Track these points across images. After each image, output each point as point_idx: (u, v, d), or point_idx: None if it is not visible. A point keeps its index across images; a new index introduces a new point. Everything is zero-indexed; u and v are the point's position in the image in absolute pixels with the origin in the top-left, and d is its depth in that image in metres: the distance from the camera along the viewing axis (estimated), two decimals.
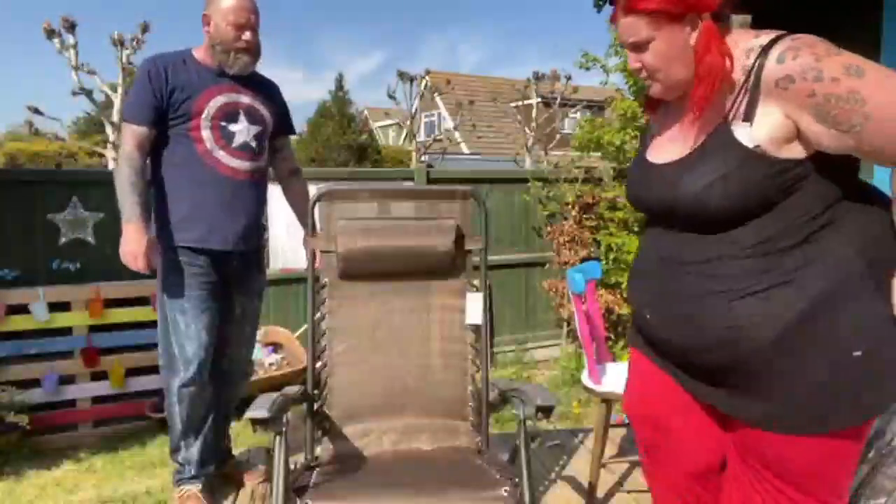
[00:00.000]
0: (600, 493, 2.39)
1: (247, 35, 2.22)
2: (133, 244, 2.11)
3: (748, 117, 1.14)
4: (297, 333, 3.99)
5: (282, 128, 2.51)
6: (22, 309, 3.01)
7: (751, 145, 1.13)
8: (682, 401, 1.34)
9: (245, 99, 2.31)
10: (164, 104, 2.19)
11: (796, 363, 1.13)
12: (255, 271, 2.47)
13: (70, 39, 8.07)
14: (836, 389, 1.12)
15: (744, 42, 1.17)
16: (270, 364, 3.64)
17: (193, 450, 2.34)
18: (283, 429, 1.62)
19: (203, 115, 2.21)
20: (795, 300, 1.11)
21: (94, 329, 3.13)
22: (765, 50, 1.13)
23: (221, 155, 2.24)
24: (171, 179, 2.24)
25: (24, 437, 2.92)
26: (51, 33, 7.93)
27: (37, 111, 8.25)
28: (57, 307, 3.07)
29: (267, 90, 2.42)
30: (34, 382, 3.01)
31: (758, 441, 1.22)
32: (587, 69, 5.94)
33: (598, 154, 4.60)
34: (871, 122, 1.04)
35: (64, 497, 2.60)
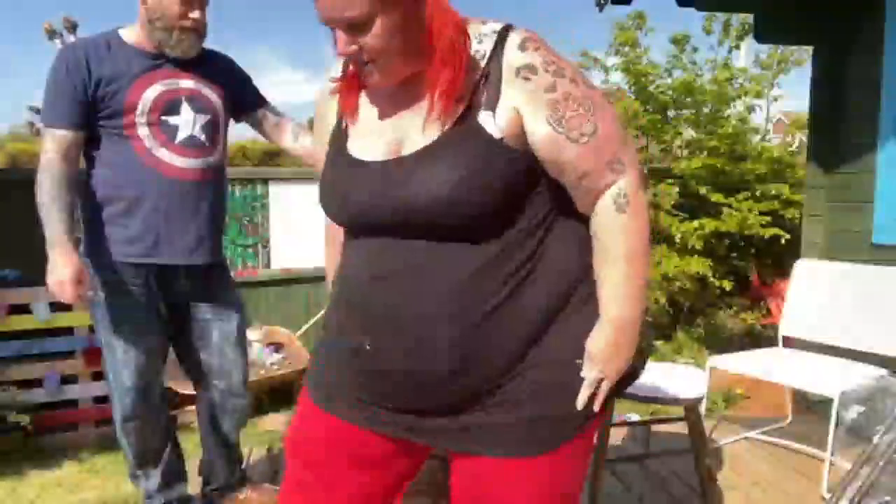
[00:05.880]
0: (601, 492, 2.39)
1: (195, 13, 1.88)
2: (59, 271, 1.78)
3: (491, 106, 1.01)
4: (298, 333, 3.99)
5: (247, 103, 2.14)
6: (23, 309, 3.01)
7: (498, 136, 1.00)
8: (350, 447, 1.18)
9: (187, 83, 1.96)
10: (88, 99, 1.85)
11: (522, 383, 1.06)
12: (223, 285, 2.16)
13: (71, 40, 8.09)
14: (559, 405, 1.08)
15: (471, 25, 1.04)
16: (271, 364, 3.64)
17: (153, 480, 2.14)
18: None
19: (138, 111, 1.88)
20: (524, 321, 1.05)
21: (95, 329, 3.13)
22: (501, 36, 1.02)
23: (164, 154, 1.91)
24: (105, 184, 1.93)
25: (25, 436, 2.92)
26: (52, 34, 7.94)
27: (38, 111, 8.25)
28: (58, 307, 3.05)
29: (212, 69, 2.04)
30: (36, 382, 3.00)
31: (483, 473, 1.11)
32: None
33: None
34: (598, 136, 1.00)
35: (65, 497, 2.60)
